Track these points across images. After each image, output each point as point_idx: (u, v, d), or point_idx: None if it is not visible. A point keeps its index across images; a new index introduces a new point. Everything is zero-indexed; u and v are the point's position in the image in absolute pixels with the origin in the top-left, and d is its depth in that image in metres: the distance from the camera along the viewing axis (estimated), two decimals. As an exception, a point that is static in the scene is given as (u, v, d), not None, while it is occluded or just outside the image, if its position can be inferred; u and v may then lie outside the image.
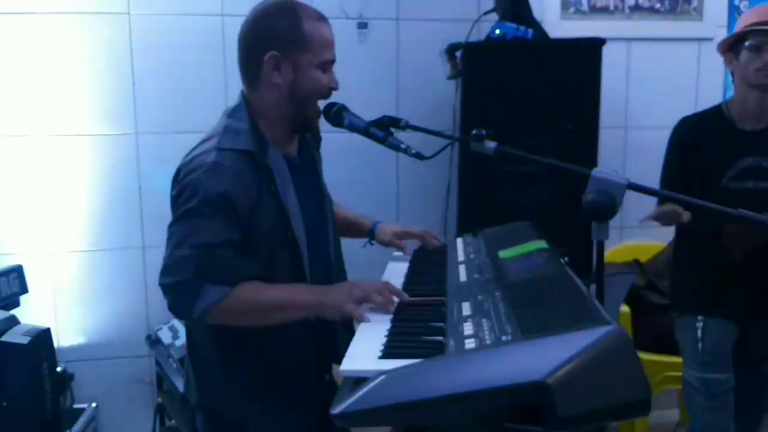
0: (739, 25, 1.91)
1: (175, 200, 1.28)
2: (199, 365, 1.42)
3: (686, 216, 1.75)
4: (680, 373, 2.06)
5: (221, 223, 1.24)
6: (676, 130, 2.00)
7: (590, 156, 2.30)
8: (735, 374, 1.95)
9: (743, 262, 1.89)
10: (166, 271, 1.25)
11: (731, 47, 1.90)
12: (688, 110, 2.06)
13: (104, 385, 2.50)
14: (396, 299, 1.24)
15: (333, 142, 1.60)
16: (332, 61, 1.34)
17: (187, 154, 1.33)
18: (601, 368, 0.86)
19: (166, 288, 1.25)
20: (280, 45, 1.29)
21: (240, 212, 1.25)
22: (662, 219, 1.83)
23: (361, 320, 1.18)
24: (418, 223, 2.62)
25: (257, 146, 1.30)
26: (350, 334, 1.42)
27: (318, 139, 1.57)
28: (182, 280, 1.22)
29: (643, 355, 2.44)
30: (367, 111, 2.32)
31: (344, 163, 2.36)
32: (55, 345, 2.45)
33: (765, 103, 1.89)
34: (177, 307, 1.26)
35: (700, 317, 1.95)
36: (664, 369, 2.40)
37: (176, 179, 1.30)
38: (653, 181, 2.06)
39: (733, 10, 2.84)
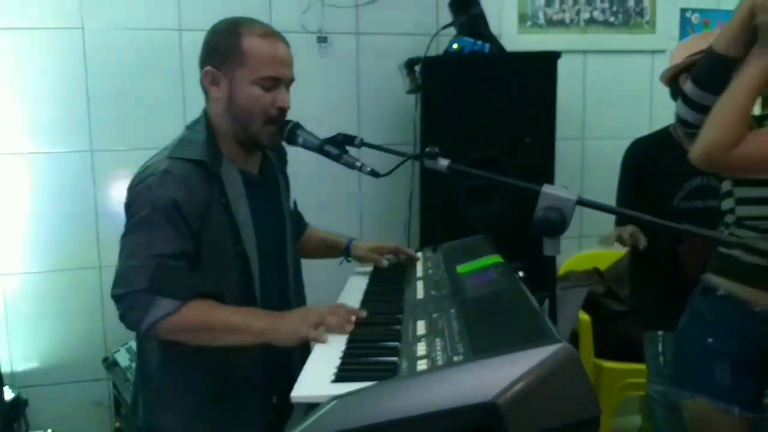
0: (682, 56, 1.91)
1: (128, 210, 1.28)
2: (146, 382, 1.39)
3: (643, 244, 1.82)
4: (641, 380, 2.09)
5: (173, 232, 1.23)
6: (628, 153, 2.06)
7: (548, 167, 2.33)
8: None
9: (699, 279, 1.94)
10: (118, 281, 1.24)
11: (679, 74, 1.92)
12: (643, 120, 2.12)
13: (60, 410, 2.42)
14: (353, 317, 1.23)
15: (294, 158, 1.59)
16: (276, 79, 1.32)
17: (142, 165, 1.33)
18: (550, 387, 0.86)
19: (118, 299, 1.24)
20: (217, 60, 1.31)
21: (190, 221, 1.25)
22: (622, 242, 1.89)
23: (319, 342, 1.16)
24: (381, 237, 2.64)
25: (209, 157, 1.30)
26: (305, 357, 1.41)
27: (283, 161, 1.57)
28: (134, 291, 1.21)
29: (604, 363, 2.49)
30: (328, 124, 2.32)
31: (306, 178, 2.33)
32: (9, 370, 2.38)
33: None
34: (127, 319, 1.24)
35: (660, 332, 1.99)
36: (625, 376, 2.43)
37: (129, 189, 1.30)
38: (611, 188, 2.11)
39: (685, 23, 2.93)
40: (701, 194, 1.94)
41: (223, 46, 1.31)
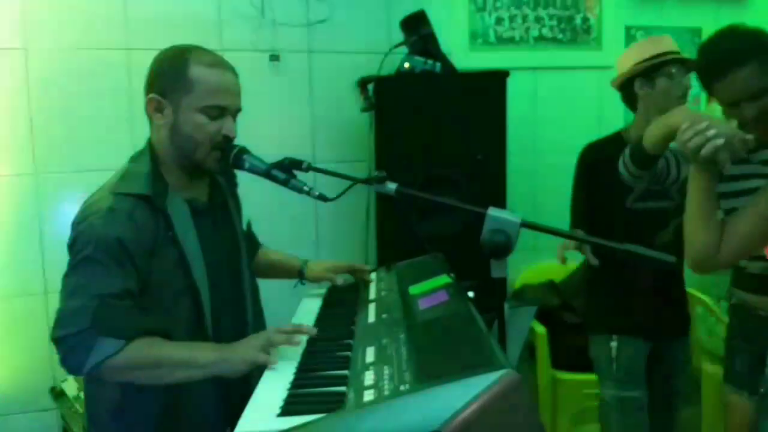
0: (637, 59, 1.99)
1: (71, 248, 1.25)
2: (93, 420, 1.36)
3: (593, 262, 1.88)
4: (597, 391, 2.13)
5: (117, 271, 1.21)
6: (581, 158, 2.10)
7: (500, 183, 2.37)
8: (649, 395, 2.04)
9: (649, 284, 2.00)
10: (58, 323, 1.21)
11: (644, 73, 1.97)
12: (592, 134, 2.16)
13: (6, 442, 2.33)
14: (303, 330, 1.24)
15: (249, 179, 1.57)
16: (222, 108, 1.31)
17: (85, 201, 1.30)
18: (495, 414, 0.87)
19: (58, 341, 1.20)
20: (163, 87, 1.31)
21: (136, 259, 1.23)
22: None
23: (269, 363, 1.16)
24: (338, 257, 2.63)
25: (154, 191, 1.28)
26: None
27: (233, 184, 1.55)
28: (75, 332, 1.18)
29: (561, 375, 2.53)
30: (281, 143, 2.31)
31: (260, 198, 2.31)
32: (-50, 403, 2.27)
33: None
34: (69, 362, 1.20)
35: (614, 336, 2.03)
36: (582, 387, 2.47)
37: (72, 226, 1.27)
38: (563, 201, 2.15)
39: (630, 40, 3.03)
40: (653, 195, 1.98)
41: (170, 74, 1.31)
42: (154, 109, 1.32)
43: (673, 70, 1.94)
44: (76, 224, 1.26)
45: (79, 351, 1.18)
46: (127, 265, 1.22)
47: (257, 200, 1.63)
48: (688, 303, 2.18)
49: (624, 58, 2.06)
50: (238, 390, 1.33)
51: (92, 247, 1.20)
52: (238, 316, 1.43)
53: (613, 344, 2.03)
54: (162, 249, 1.27)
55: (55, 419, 2.32)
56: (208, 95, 1.29)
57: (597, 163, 2.04)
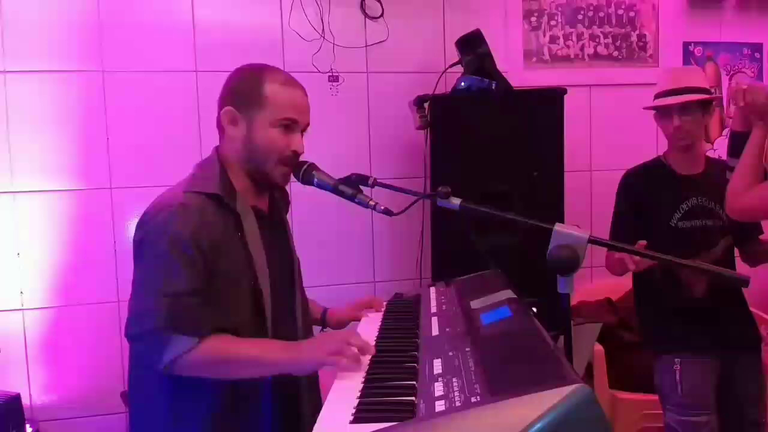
0: (655, 92, 2.10)
1: (140, 246, 1.28)
2: (147, 420, 1.37)
3: (632, 265, 1.85)
4: (657, 411, 2.09)
5: (189, 268, 1.23)
6: (623, 183, 2.14)
7: (557, 200, 2.37)
8: (721, 420, 1.97)
9: (706, 297, 1.96)
10: (133, 321, 1.24)
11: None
12: (649, 151, 2.18)
13: (78, 445, 2.45)
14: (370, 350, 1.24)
15: (308, 191, 1.63)
16: (294, 122, 1.37)
17: (155, 200, 1.33)
18: (568, 427, 0.88)
19: (133, 338, 1.24)
20: (238, 101, 1.37)
21: (206, 254, 1.25)
22: (611, 269, 2.00)
23: (337, 367, 1.18)
24: (393, 273, 2.68)
25: (225, 191, 1.32)
26: (314, 393, 1.42)
27: (287, 204, 1.60)
28: (149, 331, 1.21)
29: (620, 395, 2.49)
30: (340, 161, 2.37)
31: (319, 212, 2.39)
32: (27, 404, 2.40)
33: (694, 155, 2.08)
34: (142, 358, 1.25)
35: (676, 359, 1.99)
36: (642, 407, 2.42)
37: (140, 224, 1.30)
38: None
39: (688, 56, 2.99)
40: (698, 214, 2.02)
41: (245, 90, 1.37)
42: (228, 121, 1.37)
43: (663, 110, 2.04)
44: (147, 221, 1.28)
45: (154, 348, 1.21)
46: (197, 262, 1.23)
47: (315, 218, 1.68)
48: (754, 320, 2.12)
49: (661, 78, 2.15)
50: (289, 395, 1.38)
51: (163, 245, 1.23)
52: (291, 327, 1.46)
53: (677, 368, 1.98)
54: (230, 248, 1.29)
55: (125, 423, 2.43)
56: (281, 110, 1.35)
57: (640, 188, 2.09)
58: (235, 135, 1.37)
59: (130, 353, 1.35)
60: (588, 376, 2.53)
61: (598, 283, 2.79)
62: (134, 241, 1.30)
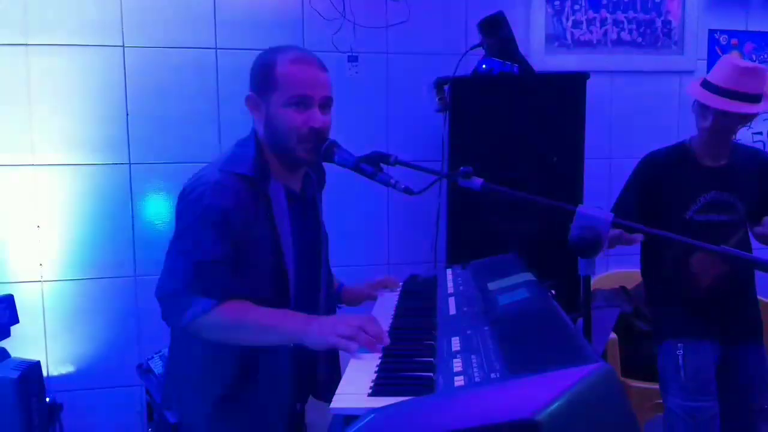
0: (710, 79, 1.96)
1: (178, 217, 1.36)
2: (174, 379, 1.47)
3: (636, 237, 1.80)
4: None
5: (216, 239, 1.29)
6: (643, 164, 2.08)
7: (576, 187, 2.35)
8: (723, 407, 1.97)
9: (712, 288, 1.95)
10: (161, 283, 1.32)
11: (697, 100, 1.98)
12: (670, 140, 2.13)
13: (94, 415, 2.49)
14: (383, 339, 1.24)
15: (326, 169, 1.63)
16: (308, 97, 1.37)
17: (193, 175, 1.39)
18: (591, 407, 0.87)
19: (159, 298, 1.32)
20: (256, 86, 1.41)
21: (236, 231, 1.31)
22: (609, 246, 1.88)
23: (348, 351, 1.20)
24: (408, 255, 2.68)
25: (259, 173, 1.37)
26: (333, 366, 1.44)
27: (322, 184, 1.63)
28: (173, 292, 1.29)
29: (633, 383, 2.48)
30: (358, 141, 2.36)
31: (335, 192, 2.38)
32: (45, 374, 2.44)
33: (724, 146, 2.00)
34: (168, 316, 1.32)
35: (679, 344, 1.99)
36: (653, 396, 2.41)
37: (181, 197, 1.37)
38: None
39: (714, 44, 2.94)
40: (715, 208, 1.97)
41: (261, 74, 1.40)
42: (252, 107, 1.42)
43: (722, 113, 1.90)
44: (185, 195, 1.35)
45: (176, 308, 1.28)
46: (227, 235, 1.29)
47: (330, 198, 1.68)
48: (760, 310, 2.10)
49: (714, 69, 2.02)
50: (308, 364, 1.42)
51: (197, 216, 1.30)
52: (314, 306, 1.49)
53: (680, 352, 1.98)
54: (259, 227, 1.35)
55: (141, 395, 2.46)
56: (292, 88, 1.36)
57: (659, 174, 2.03)
58: (258, 119, 1.41)
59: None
60: (601, 363, 2.52)
61: (614, 271, 2.77)
62: (175, 211, 1.37)
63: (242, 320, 1.29)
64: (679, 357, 1.98)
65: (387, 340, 1.23)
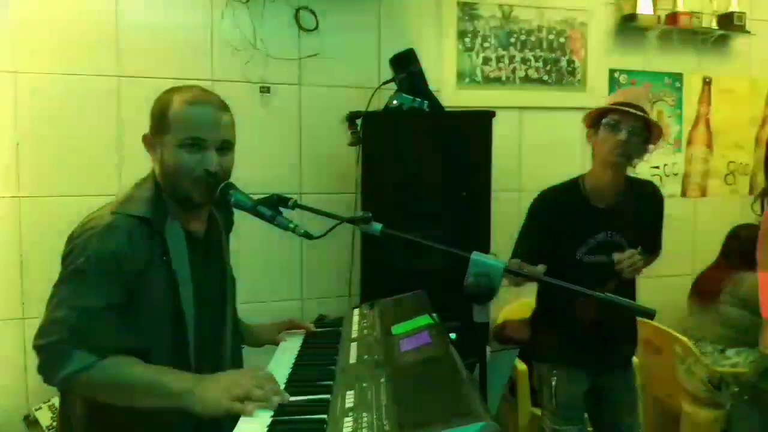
0: (605, 103, 2.05)
1: (64, 260, 1.28)
2: None
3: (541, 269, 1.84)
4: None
5: (105, 285, 1.23)
6: (536, 204, 2.10)
7: (484, 220, 2.39)
8: (596, 429, 2.11)
9: (591, 324, 2.01)
10: (39, 332, 1.24)
11: (593, 123, 2.02)
12: (576, 173, 2.18)
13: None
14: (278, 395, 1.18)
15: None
16: (199, 140, 1.33)
17: (85, 218, 1.33)
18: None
19: (37, 349, 1.23)
20: (152, 127, 1.39)
21: (127, 275, 1.25)
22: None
23: (244, 414, 1.13)
24: (323, 292, 2.63)
25: (154, 215, 1.32)
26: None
27: (230, 224, 1.58)
28: (52, 342, 1.21)
29: (541, 412, 2.52)
30: (269, 173, 2.31)
31: (248, 228, 2.31)
32: None
33: (617, 180, 2.01)
34: (44, 370, 1.23)
35: (554, 371, 2.07)
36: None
37: (67, 241, 1.30)
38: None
39: (614, 83, 3.11)
40: (604, 248, 1.99)
41: (156, 115, 1.37)
42: (148, 146, 1.39)
43: (612, 122, 1.94)
44: (73, 238, 1.28)
45: (53, 361, 1.20)
46: (117, 281, 1.24)
47: (243, 234, 1.63)
48: (635, 339, 2.20)
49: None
50: (209, 424, 1.31)
51: (84, 260, 1.23)
52: (217, 349, 1.43)
53: (554, 380, 2.06)
54: (154, 271, 1.29)
55: (26, 450, 2.27)
56: (184, 130, 1.33)
57: (551, 214, 2.04)
58: (155, 159, 1.38)
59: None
60: (511, 394, 2.56)
61: (524, 300, 2.83)
62: (62, 254, 1.30)
63: (123, 379, 1.21)
64: (553, 383, 2.06)
65: (286, 397, 1.18)
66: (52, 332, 1.21)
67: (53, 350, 1.20)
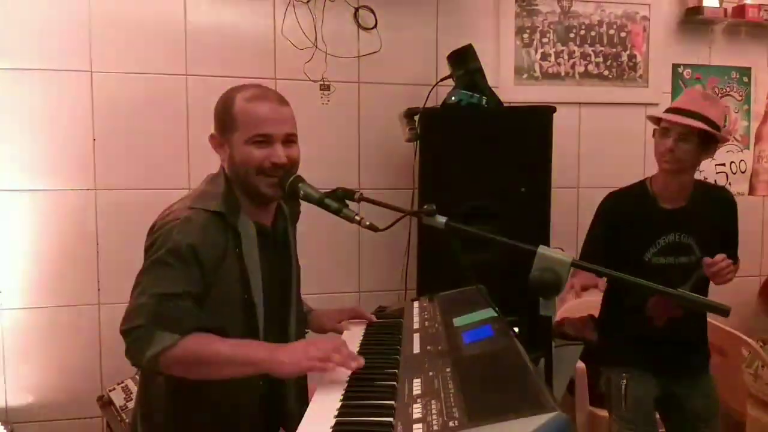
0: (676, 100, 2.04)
1: (147, 251, 1.36)
2: (146, 419, 1.43)
3: (601, 284, 1.85)
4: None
5: (184, 274, 1.30)
6: (604, 205, 2.10)
7: (543, 216, 2.37)
8: None
9: (665, 328, 1.98)
10: (125, 317, 1.31)
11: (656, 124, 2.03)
12: (636, 169, 2.16)
13: (52, 448, 2.41)
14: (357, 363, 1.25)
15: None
16: (266, 136, 1.39)
17: (163, 211, 1.41)
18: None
19: (123, 334, 1.29)
20: (218, 126, 1.45)
21: (204, 266, 1.32)
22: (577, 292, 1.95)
23: (323, 372, 1.21)
24: (379, 285, 2.68)
25: (228, 209, 1.39)
26: (301, 401, 1.45)
27: (295, 216, 1.64)
28: (136, 326, 1.27)
29: (600, 412, 2.49)
30: (329, 169, 2.36)
31: (306, 221, 2.37)
32: (3, 405, 2.37)
33: (683, 182, 2.00)
34: (131, 353, 1.30)
35: (624, 374, 2.02)
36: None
37: (150, 232, 1.38)
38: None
39: (677, 78, 3.02)
40: (672, 250, 1.98)
41: (221, 114, 1.43)
42: (215, 146, 1.46)
43: (662, 129, 1.96)
44: (155, 230, 1.36)
45: (138, 344, 1.27)
46: (194, 270, 1.31)
47: (304, 225, 1.68)
48: (706, 347, 2.13)
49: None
50: (277, 399, 1.43)
51: (164, 251, 1.30)
52: (283, 335, 1.50)
53: (623, 382, 2.01)
54: (227, 263, 1.36)
55: (101, 427, 2.40)
56: (251, 128, 1.39)
57: (619, 215, 2.04)
58: (223, 157, 1.45)
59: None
60: (569, 393, 2.53)
61: (583, 299, 2.79)
62: (144, 246, 1.38)
63: (206, 353, 1.27)
64: (623, 386, 2.01)
65: (362, 362, 1.24)
66: (136, 317, 1.28)
67: (138, 334, 1.27)
